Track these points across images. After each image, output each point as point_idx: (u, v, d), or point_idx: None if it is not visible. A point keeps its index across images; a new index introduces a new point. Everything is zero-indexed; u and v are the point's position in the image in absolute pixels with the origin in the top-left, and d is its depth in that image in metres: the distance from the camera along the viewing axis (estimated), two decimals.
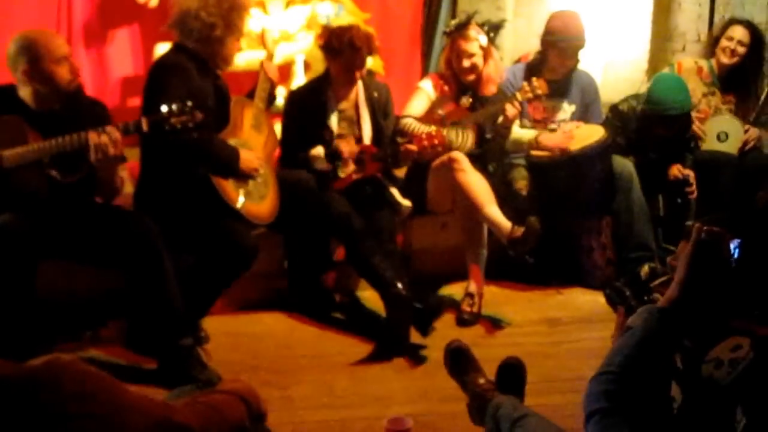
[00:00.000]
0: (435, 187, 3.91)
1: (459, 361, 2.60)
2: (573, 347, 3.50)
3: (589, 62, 4.57)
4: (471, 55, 3.92)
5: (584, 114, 4.25)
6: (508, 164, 4.16)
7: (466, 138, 3.84)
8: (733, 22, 4.58)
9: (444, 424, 2.84)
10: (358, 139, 3.83)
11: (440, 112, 3.91)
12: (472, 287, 3.78)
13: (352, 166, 3.76)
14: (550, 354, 3.43)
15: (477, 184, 3.72)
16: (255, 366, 3.30)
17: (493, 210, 3.66)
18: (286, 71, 4.46)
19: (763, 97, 4.58)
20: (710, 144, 4.44)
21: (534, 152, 4.10)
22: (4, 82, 3.11)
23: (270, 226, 3.52)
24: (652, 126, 4.15)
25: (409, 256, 4.05)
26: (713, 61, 4.56)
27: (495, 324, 3.73)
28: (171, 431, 1.41)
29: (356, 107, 3.86)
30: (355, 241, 3.58)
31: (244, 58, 4.16)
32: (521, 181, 4.06)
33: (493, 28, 3.98)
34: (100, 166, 2.96)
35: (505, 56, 4.85)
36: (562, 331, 3.70)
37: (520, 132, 4.13)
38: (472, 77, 3.96)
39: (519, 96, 3.87)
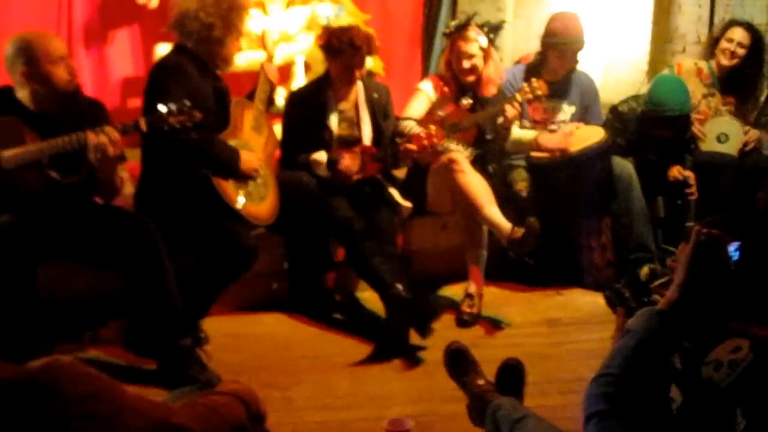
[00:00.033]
0: (435, 188, 3.91)
1: (459, 362, 2.60)
2: (573, 348, 3.50)
3: (589, 63, 4.57)
4: (471, 56, 3.92)
5: (584, 115, 4.25)
6: (508, 165, 4.16)
7: (464, 150, 3.88)
8: (732, 23, 4.58)
9: (444, 425, 2.84)
10: (358, 140, 3.83)
11: (440, 113, 3.91)
12: (472, 288, 3.78)
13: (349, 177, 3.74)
14: (549, 355, 3.43)
15: (477, 185, 3.73)
16: (255, 367, 3.30)
17: (492, 211, 3.66)
18: (286, 72, 4.47)
19: (762, 99, 4.58)
20: (710, 145, 4.43)
21: (534, 153, 4.10)
22: (2, 84, 3.11)
23: (270, 227, 3.52)
24: (651, 127, 4.15)
25: (409, 257, 4.05)
26: (713, 63, 4.56)
27: (495, 325, 3.74)
28: None
29: (356, 108, 3.86)
30: (355, 243, 3.58)
31: (245, 58, 4.16)
32: (521, 182, 4.06)
33: (493, 30, 3.98)
34: (99, 166, 2.96)
35: (505, 57, 4.85)
36: (562, 332, 3.70)
37: (520, 133, 4.13)
38: (472, 78, 3.96)
39: (519, 97, 3.88)
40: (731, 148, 4.42)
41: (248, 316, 3.75)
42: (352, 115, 3.86)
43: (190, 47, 3.33)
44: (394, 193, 3.90)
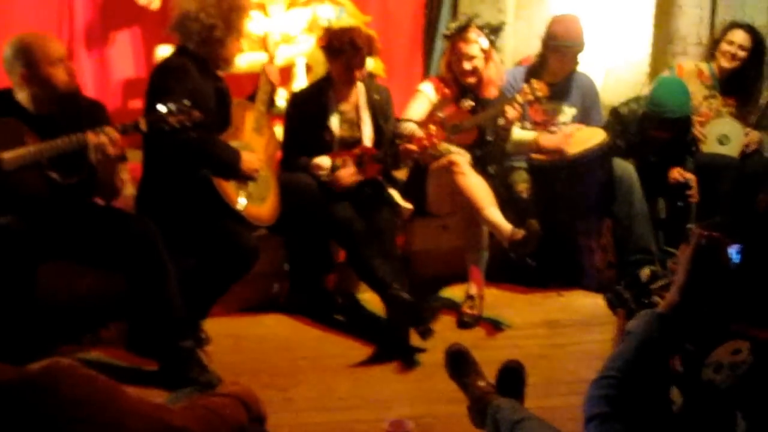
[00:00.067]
0: (435, 190, 3.91)
1: (459, 363, 2.61)
2: (573, 350, 3.50)
3: (590, 65, 4.57)
4: (471, 58, 3.93)
5: (585, 117, 4.25)
6: (509, 167, 4.16)
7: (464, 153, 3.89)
8: (733, 25, 4.57)
9: (444, 427, 2.84)
10: (359, 141, 3.83)
11: (441, 114, 3.91)
12: (473, 289, 3.78)
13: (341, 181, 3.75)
14: (550, 356, 3.43)
15: (477, 187, 3.73)
16: (255, 368, 3.29)
17: (493, 212, 3.67)
18: (287, 73, 4.47)
19: (763, 101, 4.57)
20: (711, 147, 4.43)
21: (534, 155, 4.11)
22: (2, 86, 3.11)
23: (271, 228, 3.53)
24: (652, 129, 4.15)
25: (410, 258, 4.05)
26: (714, 65, 4.56)
27: (495, 326, 3.73)
28: None
29: (357, 109, 3.86)
30: (356, 244, 3.58)
31: (246, 60, 4.17)
32: (522, 184, 4.06)
33: (494, 31, 3.98)
34: (100, 166, 2.96)
35: (505, 59, 4.85)
36: (563, 333, 3.70)
37: (520, 134, 4.13)
38: (472, 80, 3.97)
39: (519, 98, 3.88)
40: (732, 150, 4.41)
41: (249, 318, 3.75)
42: (353, 116, 3.86)
43: (191, 48, 3.33)
44: (395, 194, 3.90)
